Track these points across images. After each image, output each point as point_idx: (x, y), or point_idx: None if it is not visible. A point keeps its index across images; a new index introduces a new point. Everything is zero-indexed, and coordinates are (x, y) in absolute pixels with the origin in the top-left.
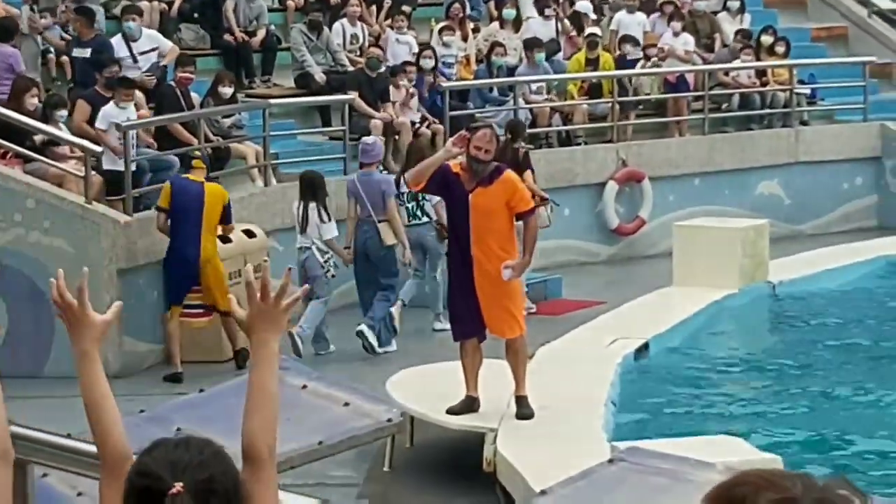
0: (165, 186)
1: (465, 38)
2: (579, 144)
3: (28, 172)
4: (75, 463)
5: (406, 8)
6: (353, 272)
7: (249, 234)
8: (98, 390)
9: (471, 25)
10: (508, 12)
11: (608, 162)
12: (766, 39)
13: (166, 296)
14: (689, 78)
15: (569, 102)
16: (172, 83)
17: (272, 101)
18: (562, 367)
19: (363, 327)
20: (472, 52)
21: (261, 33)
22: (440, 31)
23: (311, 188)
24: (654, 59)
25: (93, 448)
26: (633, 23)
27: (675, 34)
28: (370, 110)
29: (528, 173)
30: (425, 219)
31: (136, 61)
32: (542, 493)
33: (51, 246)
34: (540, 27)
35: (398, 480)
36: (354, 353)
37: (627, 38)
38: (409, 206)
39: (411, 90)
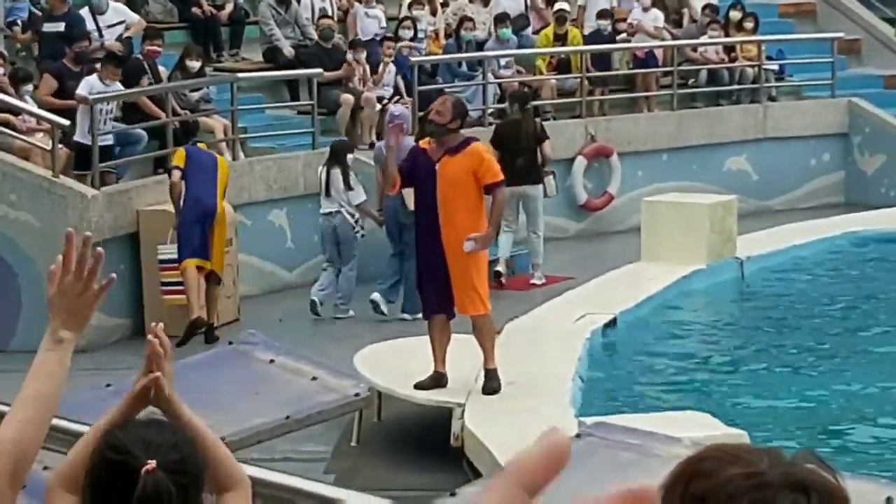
0: (179, 150)
1: (434, 13)
2: (548, 120)
3: None
4: None
5: None
6: (388, 240)
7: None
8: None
9: (440, 0)
10: None
11: (577, 137)
12: (735, 15)
13: (183, 250)
14: (659, 54)
15: (537, 77)
16: (140, 56)
17: (240, 75)
18: (529, 343)
19: (405, 316)
20: (441, 26)
21: (229, 7)
22: (409, 6)
23: (335, 154)
24: (624, 34)
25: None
26: None
27: (645, 9)
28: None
29: (546, 143)
30: None
31: (101, 35)
32: None
33: (17, 220)
34: (509, 2)
35: (366, 455)
36: (322, 328)
37: (604, 13)
38: None
39: (389, 65)
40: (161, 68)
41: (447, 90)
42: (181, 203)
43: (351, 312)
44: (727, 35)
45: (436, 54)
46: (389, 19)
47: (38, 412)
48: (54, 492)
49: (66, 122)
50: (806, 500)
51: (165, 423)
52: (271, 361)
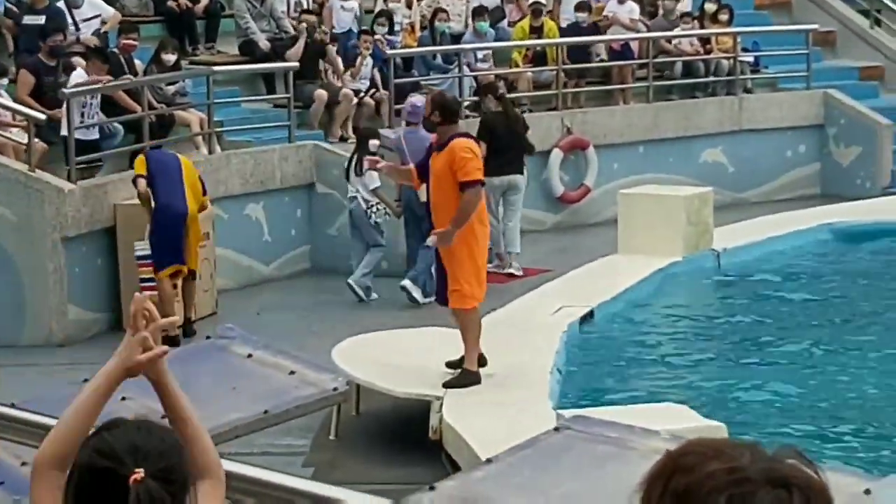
0: (139, 157)
1: (409, 6)
2: (524, 112)
3: None
4: (20, 433)
5: None
6: (404, 226)
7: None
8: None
9: None
10: None
11: (553, 130)
12: (710, 7)
13: (163, 257)
14: (634, 46)
15: (513, 70)
16: (116, 50)
17: (216, 68)
18: (507, 335)
19: (406, 282)
20: (416, 19)
21: (204, 0)
22: None
23: (358, 140)
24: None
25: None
26: None
27: (620, 2)
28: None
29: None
30: None
31: (78, 29)
32: (488, 461)
33: None
34: None
35: (344, 449)
36: (300, 322)
37: (582, 6)
38: None
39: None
40: (137, 62)
41: (423, 83)
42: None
43: (374, 296)
44: (702, 27)
45: (411, 47)
46: (366, 12)
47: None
48: (44, 473)
49: (43, 117)
50: (787, 496)
51: (155, 428)
52: (249, 356)
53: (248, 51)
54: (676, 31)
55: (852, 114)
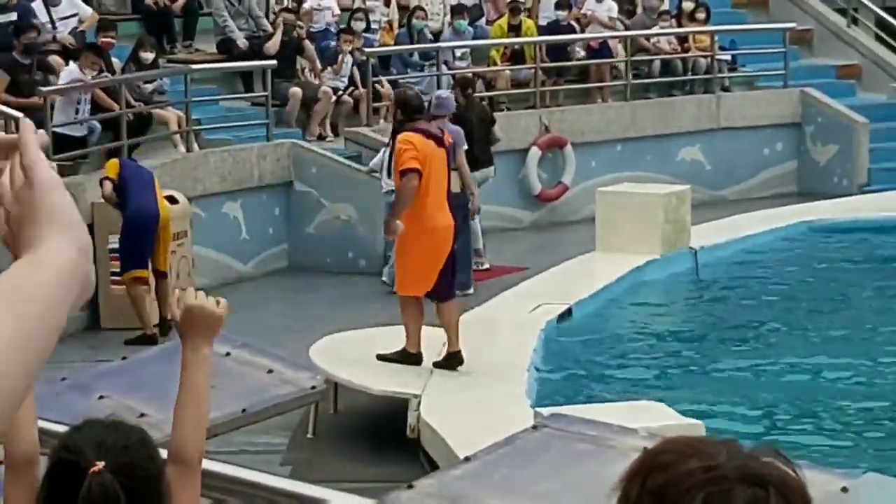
0: (114, 161)
1: (387, 4)
2: (502, 110)
3: None
4: None
5: None
6: None
7: (172, 200)
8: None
9: None
10: None
11: (531, 128)
12: (688, 6)
13: (127, 261)
14: (613, 44)
15: (491, 68)
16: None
17: (194, 66)
18: (485, 333)
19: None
20: (394, 17)
21: None
22: None
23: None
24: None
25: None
26: None
27: (599, 0)
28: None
29: (496, 126)
30: None
31: (55, 27)
32: (467, 459)
33: None
34: None
35: (322, 447)
36: (278, 321)
37: (562, 4)
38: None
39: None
40: (115, 60)
41: (401, 81)
42: (122, 215)
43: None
44: (680, 26)
45: (389, 45)
46: (343, 10)
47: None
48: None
49: (20, 115)
50: (764, 494)
51: (123, 426)
52: (227, 354)
53: (226, 49)
54: (654, 30)
55: (829, 112)
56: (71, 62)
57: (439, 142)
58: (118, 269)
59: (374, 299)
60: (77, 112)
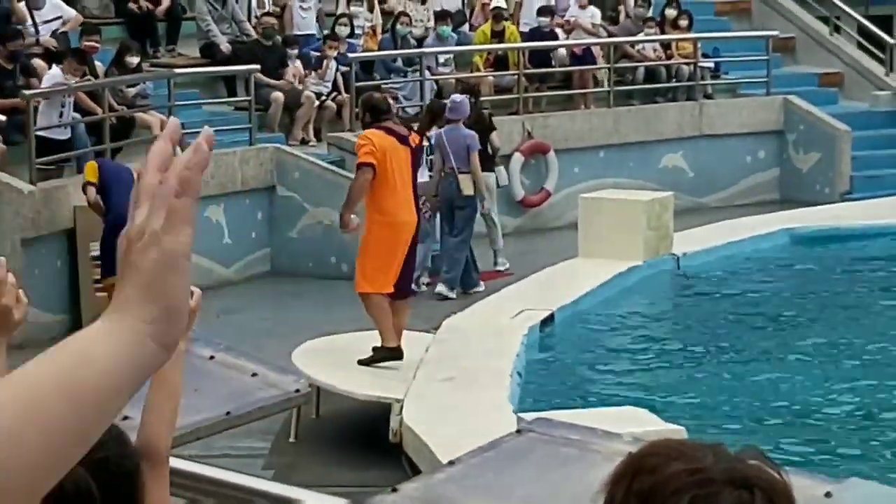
0: (91, 164)
1: (371, 9)
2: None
3: None
4: None
5: None
6: (441, 220)
7: None
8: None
9: None
10: None
11: (514, 134)
12: (671, 13)
13: (108, 266)
14: (596, 51)
15: (475, 74)
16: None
17: (177, 70)
18: (468, 338)
19: (441, 288)
20: (378, 22)
21: (165, 2)
22: (348, 2)
23: None
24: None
25: None
26: None
27: (582, 6)
28: (268, 80)
29: (494, 134)
30: None
31: (38, 30)
32: (451, 463)
33: None
34: None
35: (304, 451)
36: (260, 325)
37: (544, 10)
38: None
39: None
40: (98, 63)
41: (384, 86)
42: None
43: (423, 287)
44: (663, 33)
45: (373, 50)
46: (327, 15)
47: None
48: None
49: (3, 119)
50: (749, 497)
51: None
52: (211, 357)
53: (209, 53)
54: (638, 37)
55: (811, 120)
56: (54, 65)
57: (402, 140)
58: (99, 277)
59: (356, 304)
60: (61, 115)
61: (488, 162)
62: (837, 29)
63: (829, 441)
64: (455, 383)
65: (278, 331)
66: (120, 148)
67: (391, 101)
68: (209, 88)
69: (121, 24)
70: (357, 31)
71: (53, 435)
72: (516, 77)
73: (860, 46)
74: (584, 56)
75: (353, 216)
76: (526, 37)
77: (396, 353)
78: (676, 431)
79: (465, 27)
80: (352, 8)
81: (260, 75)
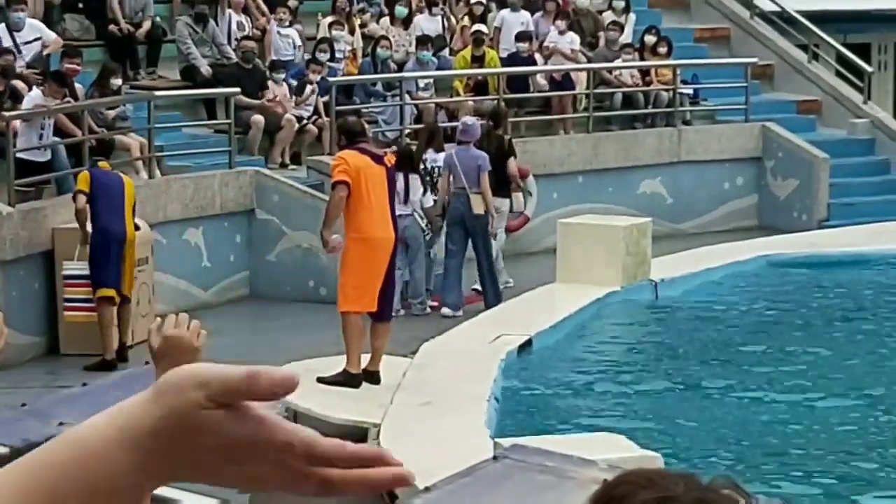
0: (84, 173)
1: (352, 32)
2: None
3: None
4: None
5: (292, 2)
6: (446, 239)
7: (134, 226)
8: None
9: (358, 21)
10: (400, 10)
11: None
12: (650, 39)
13: (95, 279)
14: (574, 76)
15: (455, 99)
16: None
17: (157, 93)
18: (445, 363)
19: (446, 311)
20: (358, 46)
21: (146, 25)
22: (329, 26)
23: (408, 161)
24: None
25: None
26: (516, 22)
27: (561, 32)
28: (248, 100)
29: (511, 160)
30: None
31: (19, 52)
32: (427, 489)
33: None
34: (427, 23)
35: None
36: (237, 348)
37: (522, 36)
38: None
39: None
40: (78, 86)
41: (364, 110)
42: (89, 231)
43: (427, 309)
44: (642, 59)
45: (353, 74)
46: (308, 39)
47: None
48: None
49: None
50: None
51: None
52: None
53: (190, 76)
54: (617, 63)
55: (790, 147)
56: (34, 87)
57: (377, 159)
58: (71, 296)
59: (334, 328)
60: (41, 138)
61: (504, 188)
62: (816, 57)
63: (806, 469)
64: (432, 408)
65: (256, 354)
66: (102, 159)
67: (366, 124)
68: (189, 111)
69: (101, 46)
70: (338, 56)
71: None
72: (496, 102)
73: (838, 74)
74: (562, 82)
75: (334, 235)
76: (504, 62)
77: (355, 382)
78: (652, 458)
79: (446, 52)
80: (333, 32)
81: (241, 97)
